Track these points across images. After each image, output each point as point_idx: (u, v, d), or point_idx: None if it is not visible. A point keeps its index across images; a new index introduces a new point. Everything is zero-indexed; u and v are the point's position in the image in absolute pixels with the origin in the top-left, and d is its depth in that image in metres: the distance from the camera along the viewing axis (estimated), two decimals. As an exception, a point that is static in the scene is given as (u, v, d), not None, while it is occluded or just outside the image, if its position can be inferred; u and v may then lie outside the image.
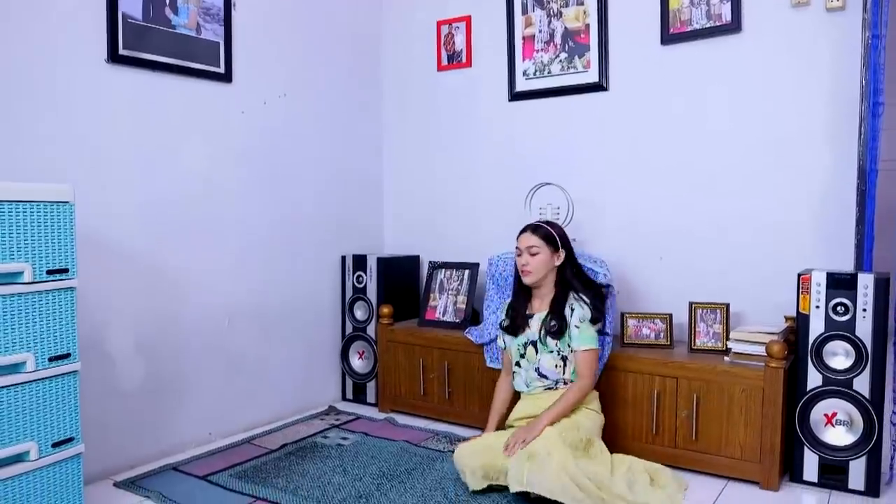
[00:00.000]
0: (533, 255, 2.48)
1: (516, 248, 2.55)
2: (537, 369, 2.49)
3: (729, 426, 2.42)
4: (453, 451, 2.42)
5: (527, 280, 2.52)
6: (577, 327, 2.44)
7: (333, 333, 3.47)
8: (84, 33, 2.40)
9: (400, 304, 3.38)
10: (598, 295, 2.54)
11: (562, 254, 2.52)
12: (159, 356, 2.67)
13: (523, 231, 2.55)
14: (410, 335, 3.19)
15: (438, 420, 3.10)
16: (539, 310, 2.54)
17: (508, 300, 2.68)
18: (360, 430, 2.98)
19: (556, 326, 2.45)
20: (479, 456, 2.27)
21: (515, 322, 2.56)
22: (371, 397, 3.38)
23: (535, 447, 2.14)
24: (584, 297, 2.49)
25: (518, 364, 2.56)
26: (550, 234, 2.51)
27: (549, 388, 2.48)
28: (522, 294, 2.59)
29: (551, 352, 2.46)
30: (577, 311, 2.46)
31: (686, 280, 2.89)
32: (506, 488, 2.20)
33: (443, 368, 3.07)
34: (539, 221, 2.59)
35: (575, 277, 2.54)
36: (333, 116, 3.43)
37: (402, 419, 3.15)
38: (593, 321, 2.46)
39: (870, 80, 2.43)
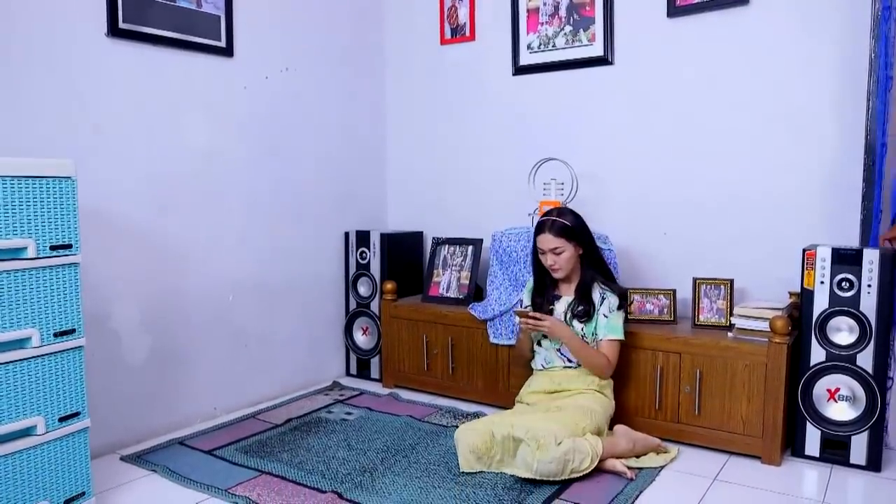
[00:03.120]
0: (558, 254, 2.47)
1: (538, 247, 2.53)
2: (559, 350, 2.50)
3: (731, 401, 2.43)
4: (457, 427, 2.43)
5: (557, 276, 2.52)
6: (606, 317, 2.46)
7: (337, 309, 3.48)
8: (83, 6, 2.37)
9: (403, 280, 3.38)
10: (620, 291, 2.56)
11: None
12: (164, 331, 2.68)
13: (541, 231, 2.50)
14: (414, 311, 3.19)
15: (442, 395, 3.12)
16: (565, 293, 2.55)
17: (530, 282, 2.67)
18: (364, 406, 3.00)
19: (583, 310, 2.47)
20: (478, 437, 2.27)
21: (539, 305, 2.55)
22: (375, 373, 3.40)
23: (545, 436, 2.14)
24: (609, 286, 2.50)
25: (539, 343, 2.57)
26: (568, 228, 2.47)
27: (569, 367, 2.49)
28: (544, 277, 2.58)
29: (573, 333, 2.46)
30: (608, 300, 2.47)
31: (690, 256, 2.88)
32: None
33: (446, 344, 3.08)
34: (553, 216, 2.51)
35: (598, 263, 2.56)
36: (336, 91, 3.40)
37: (405, 394, 3.17)
38: (620, 307, 2.49)
39: (879, 53, 2.39)
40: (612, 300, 2.49)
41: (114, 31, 2.44)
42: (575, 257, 2.50)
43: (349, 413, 2.90)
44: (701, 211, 2.86)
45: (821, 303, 2.33)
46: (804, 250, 2.37)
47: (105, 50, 2.44)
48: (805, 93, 2.63)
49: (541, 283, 2.60)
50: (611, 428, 2.45)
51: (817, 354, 2.34)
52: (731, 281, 2.64)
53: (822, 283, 2.33)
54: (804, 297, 2.37)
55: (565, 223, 2.47)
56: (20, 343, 1.81)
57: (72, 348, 1.93)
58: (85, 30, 2.38)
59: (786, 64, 2.66)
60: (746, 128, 2.75)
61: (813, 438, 2.37)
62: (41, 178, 1.83)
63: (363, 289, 3.40)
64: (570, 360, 2.49)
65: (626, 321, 2.63)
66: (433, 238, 3.42)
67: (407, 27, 3.63)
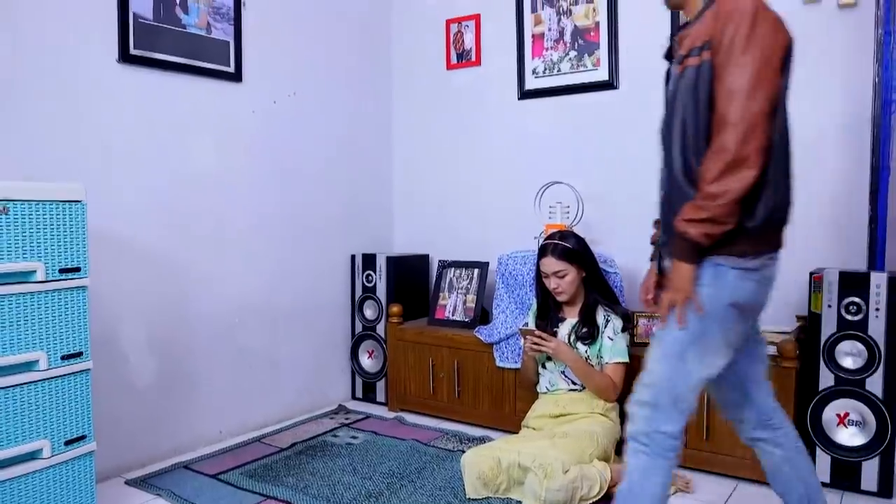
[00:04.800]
0: (561, 277, 2.48)
1: (541, 270, 2.53)
2: (563, 372, 2.49)
3: (740, 426, 2.40)
4: (463, 451, 2.41)
5: (561, 299, 2.53)
6: (611, 339, 2.45)
7: (343, 332, 3.48)
8: (95, 33, 2.41)
9: (409, 303, 3.38)
10: (623, 313, 2.55)
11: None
12: (170, 354, 2.68)
13: (543, 254, 2.51)
14: (420, 334, 3.19)
15: (448, 419, 3.10)
16: (569, 316, 2.55)
17: (534, 305, 2.67)
18: (370, 429, 2.98)
19: (587, 332, 2.46)
20: (484, 463, 2.24)
21: (543, 328, 2.55)
22: (381, 396, 3.38)
23: (552, 464, 2.12)
24: (612, 308, 2.50)
25: (543, 366, 2.56)
26: (571, 251, 2.48)
27: (574, 391, 2.48)
28: (547, 300, 2.58)
29: (578, 356, 2.46)
30: (612, 323, 2.47)
31: (697, 279, 2.87)
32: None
33: (452, 368, 3.07)
34: (555, 239, 2.52)
35: (601, 285, 2.56)
36: (343, 115, 3.43)
37: (411, 418, 3.15)
38: (624, 329, 2.49)
39: (883, 77, 2.41)
40: (617, 323, 2.49)
41: (125, 57, 2.48)
42: (578, 280, 2.50)
43: (355, 437, 2.89)
44: (707, 234, 2.86)
45: (828, 327, 2.32)
46: (811, 273, 2.36)
47: (116, 75, 2.47)
48: (810, 117, 2.63)
49: (544, 306, 2.60)
50: (619, 453, 2.43)
51: (826, 379, 2.32)
52: (738, 304, 2.63)
53: (829, 306, 2.32)
54: (811, 321, 2.36)
55: (568, 246, 2.48)
56: (28, 366, 1.82)
57: (79, 371, 1.94)
58: (97, 56, 2.42)
59: (790, 88, 2.66)
60: (751, 151, 2.75)
61: (823, 464, 2.34)
62: (52, 201, 1.85)
63: (369, 311, 3.40)
64: (574, 383, 2.48)
65: (632, 343, 2.62)
66: (439, 261, 3.43)
67: (413, 52, 3.67)
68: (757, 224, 1.53)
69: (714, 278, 1.54)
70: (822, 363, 2.32)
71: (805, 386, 2.36)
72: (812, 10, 2.60)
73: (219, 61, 2.81)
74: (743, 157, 1.44)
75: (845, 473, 2.31)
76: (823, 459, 2.33)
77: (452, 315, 3.25)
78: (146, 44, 2.54)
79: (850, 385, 2.28)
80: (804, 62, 2.62)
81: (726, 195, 1.45)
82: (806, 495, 1.73)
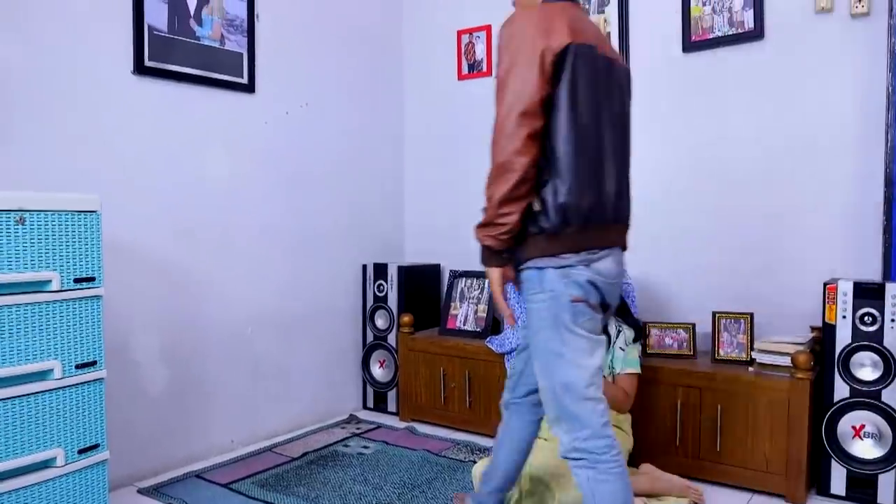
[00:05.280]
0: None
1: None
2: None
3: (754, 438, 2.39)
4: (475, 461, 2.40)
5: None
6: (623, 350, 2.44)
7: (354, 342, 3.48)
8: (111, 45, 2.44)
9: (421, 313, 3.38)
10: (635, 323, 2.53)
11: None
12: (182, 363, 2.69)
13: None
14: (431, 344, 3.19)
15: (459, 430, 3.10)
16: None
17: None
18: (381, 439, 2.98)
19: None
20: None
21: None
22: (392, 406, 3.38)
23: (565, 475, 2.10)
24: (624, 319, 2.49)
25: None
26: None
27: None
28: None
29: None
30: (624, 334, 2.45)
31: (709, 289, 2.86)
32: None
33: (463, 378, 3.07)
34: None
35: None
36: (355, 125, 3.45)
37: (422, 428, 3.15)
38: (635, 340, 2.47)
39: (895, 86, 2.40)
40: (628, 333, 2.47)
41: (140, 68, 2.51)
42: None
43: (366, 447, 2.89)
44: (719, 244, 2.85)
45: (843, 338, 2.30)
46: (825, 284, 2.35)
47: (131, 87, 2.50)
48: (823, 126, 2.63)
49: None
50: (631, 464, 2.42)
51: (841, 390, 2.30)
52: (752, 315, 2.62)
53: (844, 317, 2.30)
54: (826, 332, 2.34)
55: None
56: (43, 375, 1.83)
57: (93, 380, 1.95)
58: (112, 67, 2.45)
59: (803, 97, 2.66)
60: (765, 161, 2.74)
61: (839, 477, 2.31)
62: (67, 212, 1.87)
63: (380, 321, 3.41)
64: None
65: (644, 354, 2.61)
66: (450, 270, 3.43)
67: (425, 63, 3.69)
68: (554, 224, 1.59)
69: (539, 283, 1.64)
70: (837, 374, 2.30)
71: (820, 398, 2.34)
72: (824, 20, 2.60)
73: (232, 73, 2.83)
74: (501, 163, 1.58)
75: (861, 487, 2.28)
76: (839, 472, 2.31)
77: (464, 325, 3.25)
78: (161, 55, 2.57)
79: (865, 397, 2.26)
80: (817, 73, 2.63)
81: (492, 199, 1.60)
82: (513, 472, 1.95)
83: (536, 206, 1.61)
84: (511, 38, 1.60)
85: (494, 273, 1.69)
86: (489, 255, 1.68)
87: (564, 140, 1.58)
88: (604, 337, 1.72)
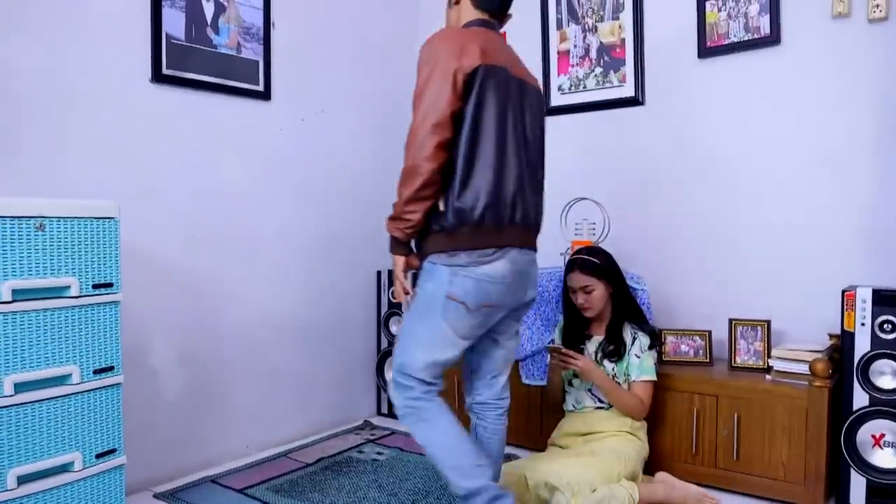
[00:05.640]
0: (589, 293, 2.46)
1: (568, 286, 2.52)
2: (590, 390, 2.47)
3: (771, 446, 2.36)
4: (489, 468, 2.39)
5: (588, 315, 2.50)
6: (638, 357, 2.43)
7: (369, 348, 3.49)
8: (129, 54, 2.47)
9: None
10: (650, 330, 2.51)
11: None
12: (198, 369, 2.71)
13: (571, 269, 2.49)
14: (445, 350, 3.18)
15: (473, 436, 3.09)
16: (596, 333, 2.52)
17: (560, 321, 2.66)
18: (396, 446, 2.98)
19: (614, 349, 2.44)
20: (510, 482, 2.21)
21: (569, 345, 2.53)
22: (406, 412, 3.37)
23: (579, 483, 2.10)
24: (640, 326, 2.47)
25: (570, 383, 2.54)
26: (599, 266, 2.46)
27: (600, 409, 2.45)
28: (575, 316, 2.56)
29: (605, 375, 2.43)
30: (639, 341, 2.44)
31: (725, 296, 2.84)
32: None
33: (478, 384, 3.05)
34: (583, 254, 2.51)
35: (629, 302, 2.52)
36: (370, 132, 3.46)
37: (436, 435, 3.14)
38: (651, 347, 2.45)
39: (916, 92, 2.38)
40: (644, 340, 2.46)
41: (157, 76, 2.53)
42: (606, 296, 2.48)
43: (380, 453, 2.89)
44: (735, 251, 2.83)
45: (862, 345, 2.27)
46: (843, 291, 2.32)
47: (149, 94, 2.53)
48: (841, 131, 2.61)
49: (571, 323, 2.58)
50: (647, 472, 2.40)
51: (860, 399, 2.27)
52: (769, 322, 2.59)
53: (862, 324, 2.27)
54: (844, 340, 2.31)
55: (595, 261, 2.46)
56: (61, 380, 1.85)
57: (110, 385, 1.97)
58: (130, 76, 2.48)
59: (820, 103, 2.64)
60: (780, 167, 2.73)
61: (858, 487, 2.28)
62: (86, 218, 1.89)
63: (395, 328, 3.41)
64: (601, 401, 2.46)
65: (660, 362, 2.59)
66: (465, 277, 3.42)
67: (439, 70, 3.69)
68: (451, 224, 1.80)
69: (430, 275, 1.86)
70: (856, 383, 2.27)
71: (839, 406, 2.31)
72: (841, 24, 2.58)
73: (249, 80, 2.86)
74: (411, 166, 1.79)
75: (882, 496, 2.25)
76: (858, 482, 2.28)
77: (478, 331, 3.24)
78: (178, 64, 2.60)
79: (885, 405, 2.23)
80: (835, 77, 2.61)
81: (401, 197, 1.82)
82: (495, 460, 2.10)
83: (441, 207, 1.83)
84: (430, 56, 1.82)
85: (399, 260, 1.95)
86: (395, 245, 1.93)
87: (468, 149, 1.79)
88: (467, 342, 1.89)
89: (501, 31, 2.07)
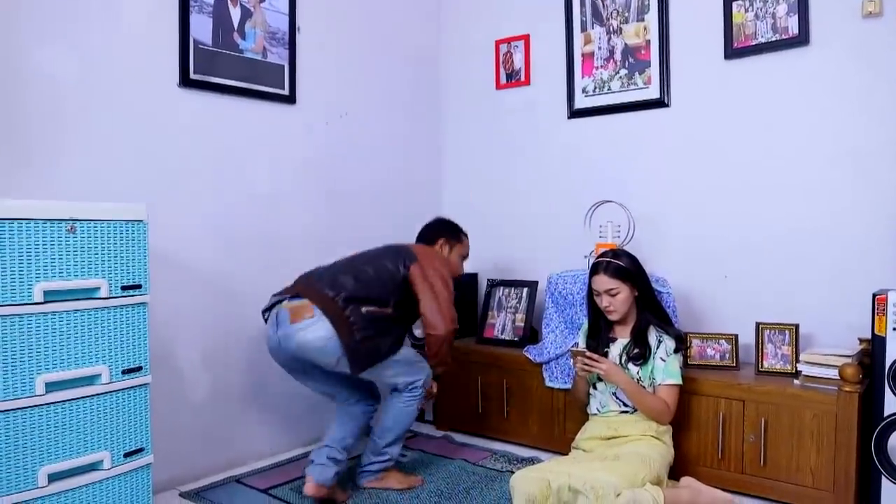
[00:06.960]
0: (614, 296, 2.44)
1: (593, 288, 2.50)
2: (614, 394, 2.45)
3: (799, 452, 2.33)
4: (512, 472, 2.39)
5: (612, 318, 2.48)
6: (663, 360, 2.40)
7: (392, 350, 3.48)
8: (158, 59, 2.51)
9: (458, 322, 3.37)
10: (676, 334, 2.48)
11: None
12: (223, 370, 2.74)
13: (595, 272, 2.47)
14: (468, 353, 3.18)
15: (496, 439, 3.08)
16: (620, 336, 2.50)
17: (585, 324, 2.64)
18: (418, 448, 2.98)
19: (639, 353, 2.42)
20: (534, 485, 2.19)
21: (594, 348, 2.51)
22: (429, 415, 3.38)
23: (603, 487, 2.08)
24: (665, 329, 2.45)
25: (594, 387, 2.52)
26: (624, 269, 2.44)
27: (625, 412, 2.43)
28: (599, 319, 2.55)
29: (630, 378, 2.41)
30: (665, 344, 2.41)
31: (752, 299, 2.80)
32: None
33: (501, 387, 3.05)
34: (608, 257, 2.48)
35: (654, 305, 2.50)
36: (393, 135, 3.48)
37: (459, 437, 3.14)
38: (676, 350, 2.43)
39: (949, 93, 2.33)
40: (669, 343, 2.43)
41: (185, 81, 2.57)
42: (630, 299, 2.46)
43: (403, 455, 2.89)
44: (762, 254, 2.80)
45: (893, 350, 2.23)
46: (874, 295, 2.28)
47: (177, 99, 2.57)
48: (871, 132, 2.56)
49: (596, 326, 2.56)
50: (672, 477, 2.38)
51: (891, 405, 2.22)
52: (797, 326, 2.56)
53: (894, 329, 2.23)
54: (875, 344, 2.27)
55: (620, 264, 2.44)
56: (91, 379, 1.89)
57: (138, 385, 2.00)
58: (159, 80, 2.52)
59: (848, 104, 2.60)
60: (808, 169, 2.69)
61: (889, 494, 2.24)
62: (115, 221, 1.92)
63: (418, 330, 3.41)
64: (626, 405, 2.44)
65: (685, 365, 2.56)
66: (488, 280, 3.43)
67: (463, 73, 3.70)
68: None
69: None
70: (886, 388, 2.23)
71: (869, 412, 2.27)
72: (872, 24, 2.54)
73: (274, 84, 2.89)
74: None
75: (913, 505, 2.21)
76: (889, 489, 2.23)
77: (501, 334, 3.24)
78: (205, 68, 2.63)
79: (917, 412, 2.19)
80: (863, 78, 2.57)
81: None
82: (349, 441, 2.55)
83: None
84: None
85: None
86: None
87: None
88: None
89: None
